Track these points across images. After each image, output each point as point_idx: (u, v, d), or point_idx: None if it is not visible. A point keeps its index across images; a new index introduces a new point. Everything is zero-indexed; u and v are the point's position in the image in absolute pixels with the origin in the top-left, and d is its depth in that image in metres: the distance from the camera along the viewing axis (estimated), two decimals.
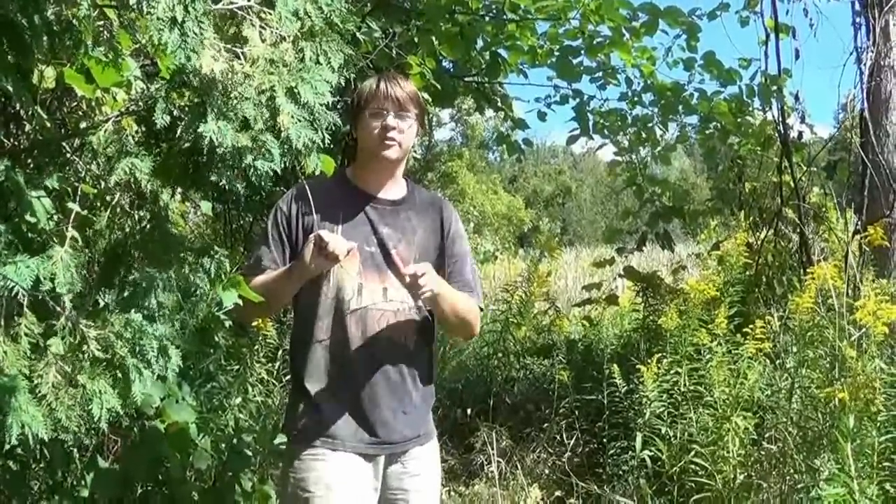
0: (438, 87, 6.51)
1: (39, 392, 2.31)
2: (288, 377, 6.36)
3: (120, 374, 2.45)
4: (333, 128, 2.71)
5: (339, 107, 5.28)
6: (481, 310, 3.59)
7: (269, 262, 3.35)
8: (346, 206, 3.37)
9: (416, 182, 3.71)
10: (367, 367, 3.30)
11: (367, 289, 3.31)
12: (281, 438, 4.78)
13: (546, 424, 7.15)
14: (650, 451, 5.66)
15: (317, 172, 3.00)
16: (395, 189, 3.47)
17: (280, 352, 6.34)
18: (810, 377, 5.26)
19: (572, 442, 6.86)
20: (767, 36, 7.90)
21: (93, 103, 3.15)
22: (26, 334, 2.31)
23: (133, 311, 2.54)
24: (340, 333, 3.29)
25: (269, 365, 6.11)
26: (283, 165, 2.62)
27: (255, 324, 5.68)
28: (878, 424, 4.60)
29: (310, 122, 2.57)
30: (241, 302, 2.95)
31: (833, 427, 4.83)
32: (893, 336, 5.01)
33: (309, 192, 3.29)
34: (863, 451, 4.57)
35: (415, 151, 3.48)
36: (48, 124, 3.07)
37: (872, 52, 7.17)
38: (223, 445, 4.49)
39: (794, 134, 8.07)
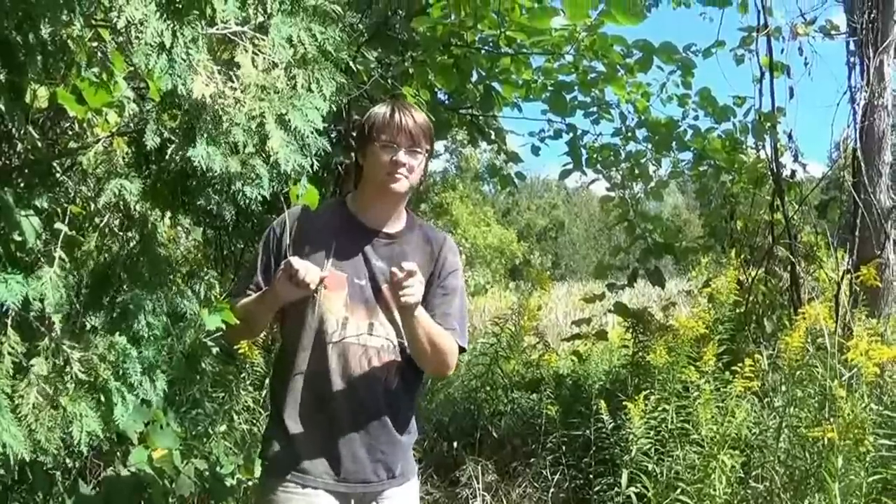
0: (433, 118, 6.52)
1: (20, 412, 2.29)
2: None
3: (102, 398, 2.44)
4: (323, 153, 2.70)
5: (331, 136, 5.28)
6: (463, 350, 3.44)
7: (253, 285, 3.32)
8: (341, 236, 3.32)
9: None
10: (344, 402, 3.23)
11: (353, 322, 3.25)
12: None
13: (532, 459, 7.13)
14: (636, 487, 5.64)
15: (301, 200, 2.99)
16: (395, 221, 3.39)
17: (266, 380, 6.33)
18: (798, 416, 5.25)
19: (558, 477, 6.83)
20: (762, 74, 7.93)
21: (84, 124, 3.14)
22: (10, 353, 2.30)
23: (118, 334, 2.53)
24: (321, 365, 3.23)
25: (256, 393, 6.09)
26: (272, 190, 2.61)
27: (241, 351, 5.67)
28: (866, 464, 4.59)
29: (300, 147, 2.56)
30: (223, 326, 2.93)
31: (820, 467, 4.82)
32: (882, 377, 5.01)
33: (302, 219, 3.28)
34: (851, 491, 4.56)
35: None
36: (40, 144, 3.06)
37: (866, 91, 7.21)
38: (206, 473, 4.46)
39: (786, 172, 8.10)
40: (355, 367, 3.24)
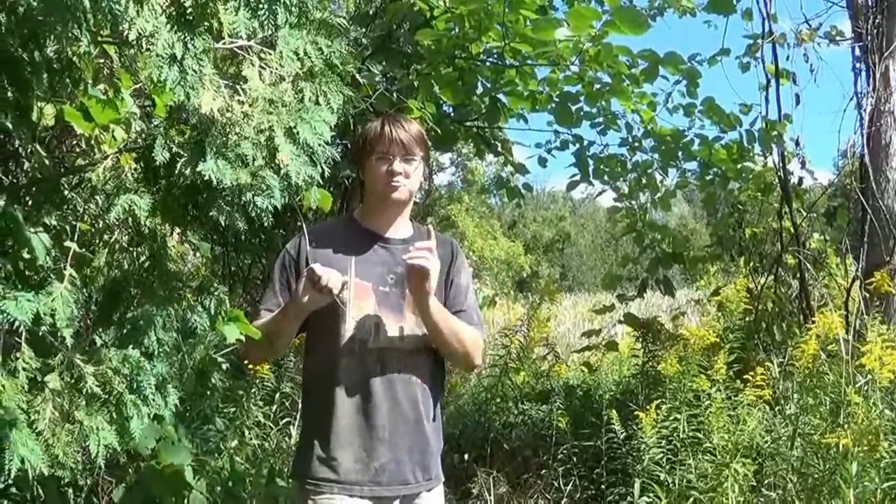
0: (439, 131, 6.52)
1: (36, 428, 2.29)
2: (285, 420, 6.35)
3: (117, 411, 2.44)
4: (332, 163, 2.71)
5: (339, 150, 5.31)
6: (484, 342, 3.59)
7: (272, 305, 3.36)
8: (358, 247, 3.38)
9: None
10: (385, 408, 3.28)
11: (385, 328, 3.31)
12: (279, 482, 4.75)
13: (544, 471, 7.11)
14: (648, 497, 5.62)
15: (314, 206, 3.00)
16: (403, 228, 3.49)
17: (277, 395, 6.31)
18: (811, 423, 5.23)
19: (570, 488, 6.81)
20: (768, 81, 7.90)
21: (91, 141, 3.15)
22: (24, 369, 2.30)
23: (131, 348, 2.53)
24: (361, 374, 3.28)
25: (266, 408, 6.08)
26: (282, 202, 2.62)
27: (251, 367, 5.66)
28: (880, 470, 4.58)
29: (309, 157, 2.57)
30: (242, 338, 2.96)
31: (834, 473, 4.80)
32: (894, 382, 4.99)
33: (316, 234, 3.35)
34: (865, 498, 4.54)
35: (416, 196, 3.48)
36: (47, 162, 3.06)
37: (872, 97, 7.18)
38: (218, 489, 4.46)
39: (794, 180, 8.07)
40: (393, 371, 3.31)
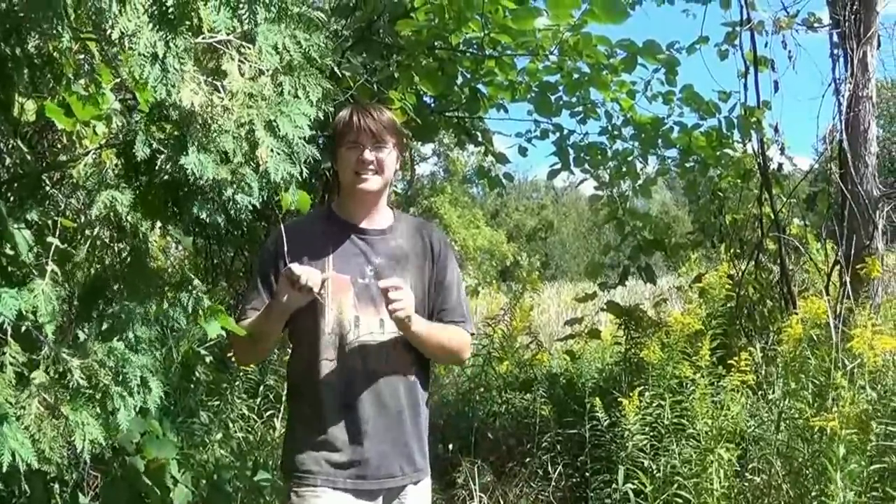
0: (419, 122, 6.52)
1: (23, 423, 2.30)
2: (269, 413, 6.35)
3: (102, 405, 2.44)
4: (312, 161, 2.72)
5: (318, 142, 5.30)
6: (472, 335, 3.59)
7: (258, 304, 3.35)
8: (336, 240, 3.37)
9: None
10: (369, 401, 3.29)
11: (364, 321, 3.30)
12: (263, 475, 4.77)
13: (528, 459, 7.11)
14: (633, 484, 5.63)
15: (293, 207, 3.01)
16: (381, 218, 3.47)
17: (261, 388, 6.32)
18: (797, 407, 5.26)
19: (555, 476, 6.82)
20: (746, 68, 7.93)
21: (73, 137, 3.15)
22: (11, 363, 2.30)
23: (115, 341, 2.54)
24: (342, 367, 3.28)
25: (250, 401, 6.09)
26: (262, 199, 2.63)
27: (235, 360, 5.67)
28: (864, 453, 4.61)
29: (288, 156, 2.58)
30: (224, 334, 2.96)
31: (819, 456, 4.83)
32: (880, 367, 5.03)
33: (294, 230, 3.33)
34: (851, 480, 4.58)
35: (396, 186, 3.43)
36: (28, 157, 3.06)
37: (851, 83, 7.22)
38: (203, 481, 4.47)
39: (773, 166, 8.10)
40: (375, 364, 3.31)
